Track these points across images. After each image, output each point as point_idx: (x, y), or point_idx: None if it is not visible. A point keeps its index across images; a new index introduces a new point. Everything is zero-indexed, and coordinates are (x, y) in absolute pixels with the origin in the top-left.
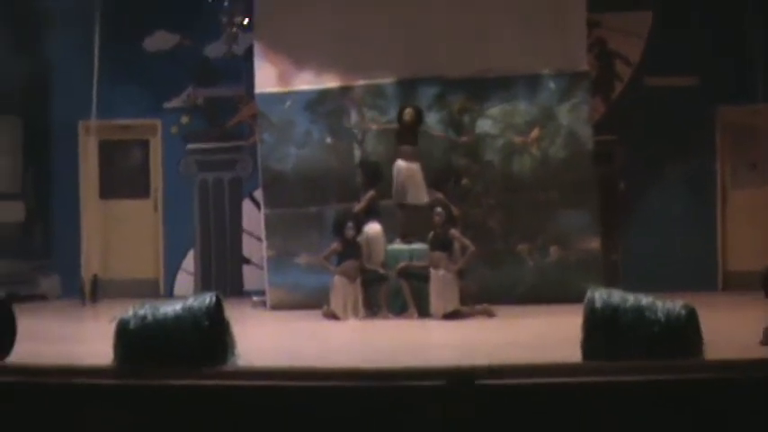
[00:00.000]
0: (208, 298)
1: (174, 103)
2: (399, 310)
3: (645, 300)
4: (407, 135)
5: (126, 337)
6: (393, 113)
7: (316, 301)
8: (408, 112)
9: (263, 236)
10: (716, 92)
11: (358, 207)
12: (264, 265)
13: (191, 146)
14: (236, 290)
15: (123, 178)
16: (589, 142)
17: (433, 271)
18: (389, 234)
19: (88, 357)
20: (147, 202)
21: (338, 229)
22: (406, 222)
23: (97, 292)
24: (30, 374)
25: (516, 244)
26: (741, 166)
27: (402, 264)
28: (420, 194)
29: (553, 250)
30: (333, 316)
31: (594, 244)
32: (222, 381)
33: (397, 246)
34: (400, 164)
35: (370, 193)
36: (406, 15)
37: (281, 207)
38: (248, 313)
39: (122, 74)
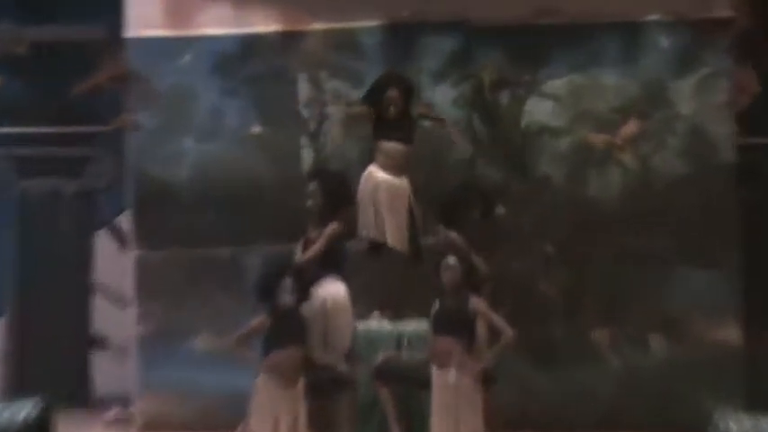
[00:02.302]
0: (25, 410)
1: None
2: None
3: None
4: (392, 126)
5: None
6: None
7: (222, 420)
8: (392, 99)
9: (130, 297)
10: None
11: (306, 252)
12: (133, 351)
13: (3, 130)
14: (80, 395)
15: None
16: (730, 148)
17: (437, 371)
18: (361, 302)
19: None
20: None
21: (266, 290)
22: (391, 282)
23: None
24: None
25: (591, 328)
26: None
27: (383, 357)
28: (412, 230)
29: (656, 341)
30: None
31: (732, 332)
32: None
33: (374, 324)
34: (378, 176)
35: (331, 226)
36: None
37: (165, 246)
38: None
39: None
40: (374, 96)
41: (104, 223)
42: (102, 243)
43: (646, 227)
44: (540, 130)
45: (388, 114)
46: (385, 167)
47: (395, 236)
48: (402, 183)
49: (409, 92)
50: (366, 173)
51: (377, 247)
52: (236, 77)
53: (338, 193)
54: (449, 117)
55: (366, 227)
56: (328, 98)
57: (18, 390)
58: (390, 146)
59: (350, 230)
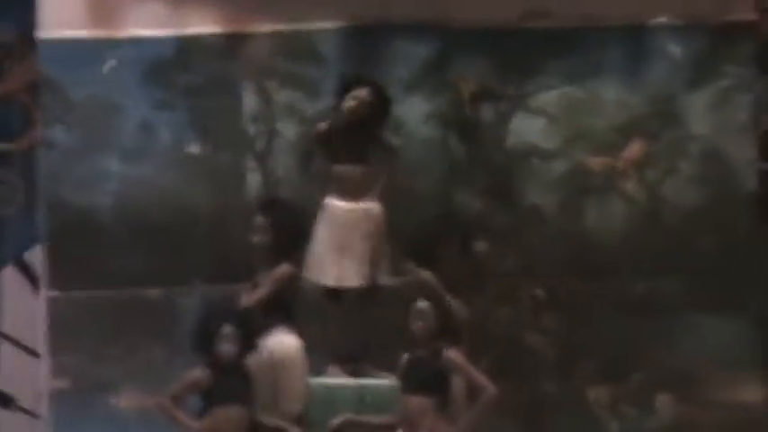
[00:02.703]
0: None
1: None
2: None
3: None
4: (352, 143)
5: None
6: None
7: None
8: (357, 97)
9: (41, 347)
10: None
11: (252, 295)
12: (42, 409)
13: None
14: None
15: None
16: (752, 174)
17: None
18: (316, 354)
19: None
20: None
21: (204, 338)
22: (350, 330)
23: None
24: None
25: (587, 385)
26: None
27: (341, 419)
28: (376, 269)
29: (663, 402)
30: None
31: (755, 391)
32: None
33: (331, 380)
34: (335, 205)
35: (282, 268)
36: None
37: (84, 286)
38: None
39: None
40: (337, 101)
41: (11, 259)
42: (9, 282)
43: (653, 267)
44: (529, 153)
45: (350, 120)
46: (342, 195)
47: (360, 274)
48: (366, 209)
49: (381, 98)
50: (325, 204)
51: (334, 293)
52: (170, 87)
53: (290, 227)
54: (421, 135)
55: (323, 266)
56: (278, 112)
57: None
58: (345, 169)
59: (304, 272)
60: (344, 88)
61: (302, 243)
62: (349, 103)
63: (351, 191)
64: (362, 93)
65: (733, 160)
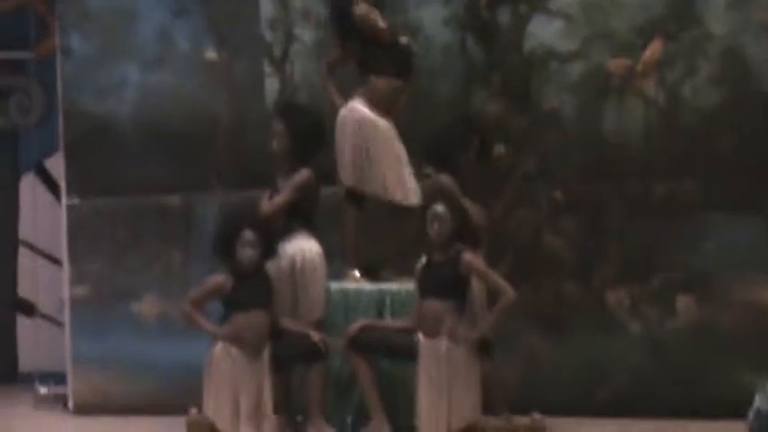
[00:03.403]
0: None
1: None
2: (352, 424)
3: None
4: (384, 55)
5: None
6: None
7: (171, 400)
8: (360, 13)
9: (62, 254)
10: None
11: (271, 202)
12: (64, 317)
13: None
14: (5, 370)
15: None
16: None
17: (424, 341)
18: (333, 260)
19: None
20: None
21: (225, 244)
22: (371, 235)
23: None
24: None
25: (607, 288)
26: None
27: (360, 324)
28: (400, 176)
29: (684, 303)
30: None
31: None
32: None
33: (351, 284)
34: (362, 114)
35: (302, 173)
36: None
37: (104, 194)
38: (26, 421)
39: None
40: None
41: (31, 167)
42: (29, 190)
43: (672, 167)
44: (547, 55)
45: (376, 36)
46: (371, 105)
47: (384, 180)
48: (388, 125)
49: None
50: (346, 109)
51: (356, 197)
52: None
53: (309, 133)
54: (439, 40)
55: (347, 174)
56: (296, 18)
57: None
58: (382, 81)
59: (325, 179)
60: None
61: (320, 148)
62: (360, 10)
63: (380, 103)
64: (363, 10)
65: (752, 59)
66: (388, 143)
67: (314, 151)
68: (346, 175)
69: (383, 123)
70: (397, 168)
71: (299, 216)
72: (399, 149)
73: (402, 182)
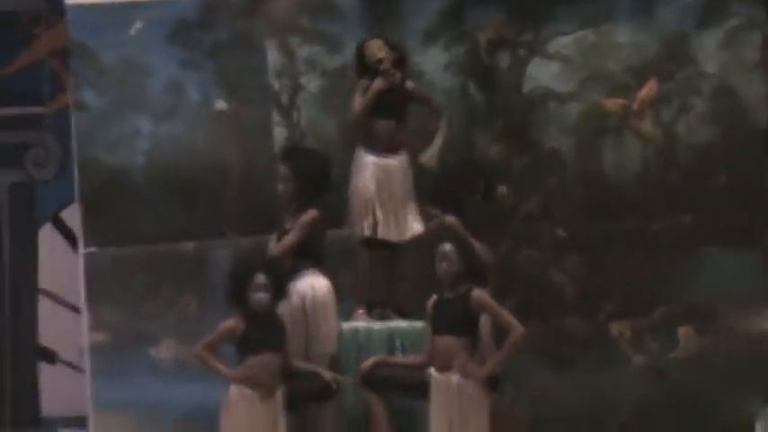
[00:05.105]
0: None
1: None
2: None
3: None
4: (381, 100)
5: None
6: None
7: None
8: (375, 46)
9: (81, 302)
10: None
11: (280, 243)
12: (85, 363)
13: None
14: (26, 415)
15: None
16: (764, 111)
17: (436, 376)
18: (344, 300)
19: None
20: None
21: (237, 288)
22: (380, 276)
23: None
24: None
25: (610, 321)
26: None
27: (372, 361)
28: (407, 219)
29: (685, 335)
30: None
31: None
32: None
33: (361, 323)
34: (368, 159)
35: (309, 214)
36: None
37: (120, 242)
38: None
39: None
40: (359, 55)
41: (49, 218)
42: (48, 241)
43: (669, 204)
44: (545, 96)
45: (381, 76)
46: (375, 149)
47: (392, 224)
48: (398, 162)
49: (401, 59)
50: (359, 158)
51: (369, 242)
52: (196, 47)
53: (315, 175)
54: (441, 84)
55: (357, 218)
56: (302, 67)
57: None
58: (380, 124)
59: (332, 221)
60: (361, 46)
61: (326, 189)
62: (375, 55)
63: (384, 146)
64: (378, 44)
65: (744, 97)
66: (389, 186)
67: (320, 193)
68: (357, 220)
69: (390, 164)
70: (400, 210)
71: (308, 255)
72: (405, 189)
73: (405, 221)
